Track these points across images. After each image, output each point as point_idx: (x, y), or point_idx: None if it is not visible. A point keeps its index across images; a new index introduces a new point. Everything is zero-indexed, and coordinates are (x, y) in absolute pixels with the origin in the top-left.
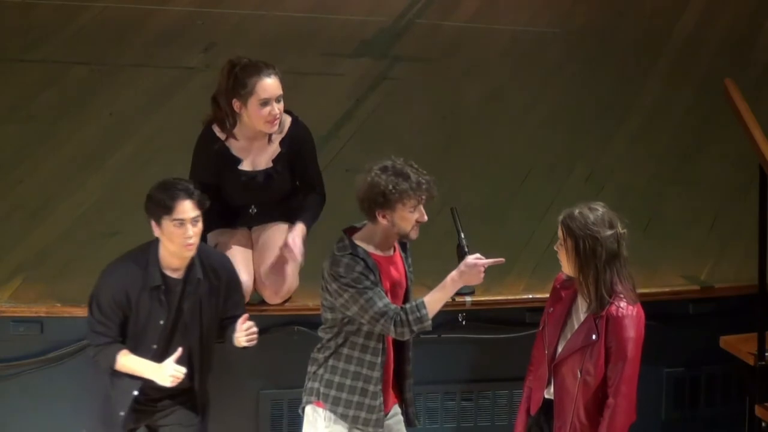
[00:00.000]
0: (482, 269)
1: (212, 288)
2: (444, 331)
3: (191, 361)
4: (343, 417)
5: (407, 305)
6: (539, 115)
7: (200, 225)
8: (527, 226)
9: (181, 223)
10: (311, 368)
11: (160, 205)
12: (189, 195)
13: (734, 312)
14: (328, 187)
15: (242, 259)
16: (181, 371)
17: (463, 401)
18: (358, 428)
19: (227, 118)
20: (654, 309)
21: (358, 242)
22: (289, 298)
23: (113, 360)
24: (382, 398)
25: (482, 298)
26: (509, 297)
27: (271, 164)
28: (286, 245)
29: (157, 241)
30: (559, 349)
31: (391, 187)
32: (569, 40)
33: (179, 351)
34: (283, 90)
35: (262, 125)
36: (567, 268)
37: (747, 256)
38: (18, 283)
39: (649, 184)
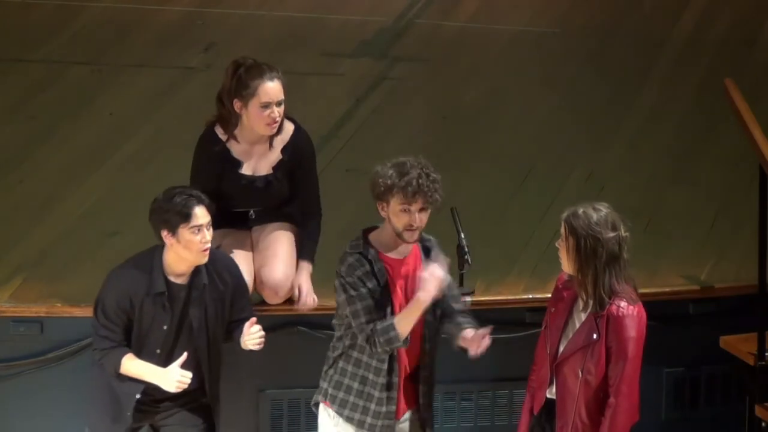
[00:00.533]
0: (438, 281)
1: (218, 293)
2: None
3: (199, 366)
4: (349, 420)
5: (380, 326)
6: (539, 115)
7: (211, 229)
8: (527, 226)
9: (199, 229)
10: (324, 367)
11: (177, 214)
12: (201, 201)
13: (734, 312)
14: (328, 187)
15: (242, 259)
16: (188, 377)
17: (462, 401)
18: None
19: (231, 118)
20: (654, 309)
21: (372, 242)
22: (289, 298)
23: (118, 364)
24: (391, 405)
25: (482, 298)
26: (509, 297)
27: (271, 171)
28: (298, 300)
29: (161, 246)
30: (561, 349)
31: (383, 178)
32: (569, 40)
33: (185, 356)
34: (285, 95)
35: (261, 128)
36: (566, 266)
37: (747, 256)
38: (18, 283)
39: (649, 184)
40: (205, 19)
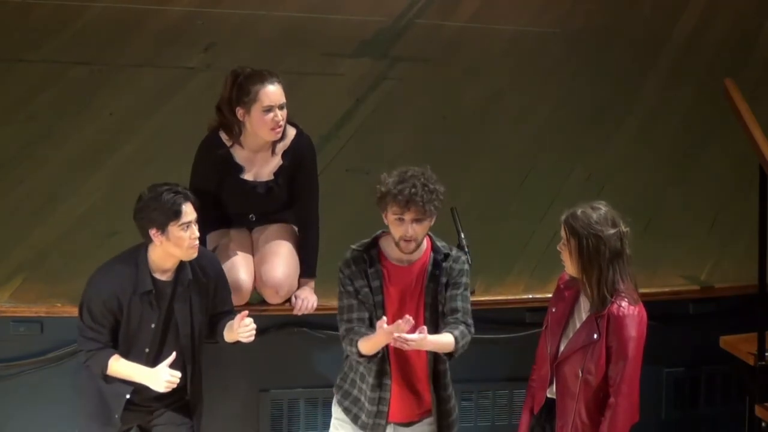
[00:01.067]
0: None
1: (202, 286)
2: None
3: (183, 361)
4: (347, 412)
5: (354, 336)
6: (539, 115)
7: (197, 225)
8: (527, 226)
9: (188, 226)
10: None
11: (167, 212)
12: (187, 197)
13: (734, 312)
14: (328, 187)
15: (242, 259)
16: (176, 376)
17: (463, 401)
18: (359, 428)
19: (234, 126)
20: (654, 309)
21: (381, 244)
22: (290, 298)
23: (105, 365)
24: (382, 406)
25: (482, 298)
26: (509, 297)
27: (272, 177)
28: (296, 306)
29: (145, 245)
30: (561, 349)
31: (382, 185)
32: (569, 40)
33: (173, 356)
34: (286, 99)
35: (265, 133)
36: (570, 268)
37: (747, 256)
38: (18, 283)
39: (649, 184)
40: (205, 19)
